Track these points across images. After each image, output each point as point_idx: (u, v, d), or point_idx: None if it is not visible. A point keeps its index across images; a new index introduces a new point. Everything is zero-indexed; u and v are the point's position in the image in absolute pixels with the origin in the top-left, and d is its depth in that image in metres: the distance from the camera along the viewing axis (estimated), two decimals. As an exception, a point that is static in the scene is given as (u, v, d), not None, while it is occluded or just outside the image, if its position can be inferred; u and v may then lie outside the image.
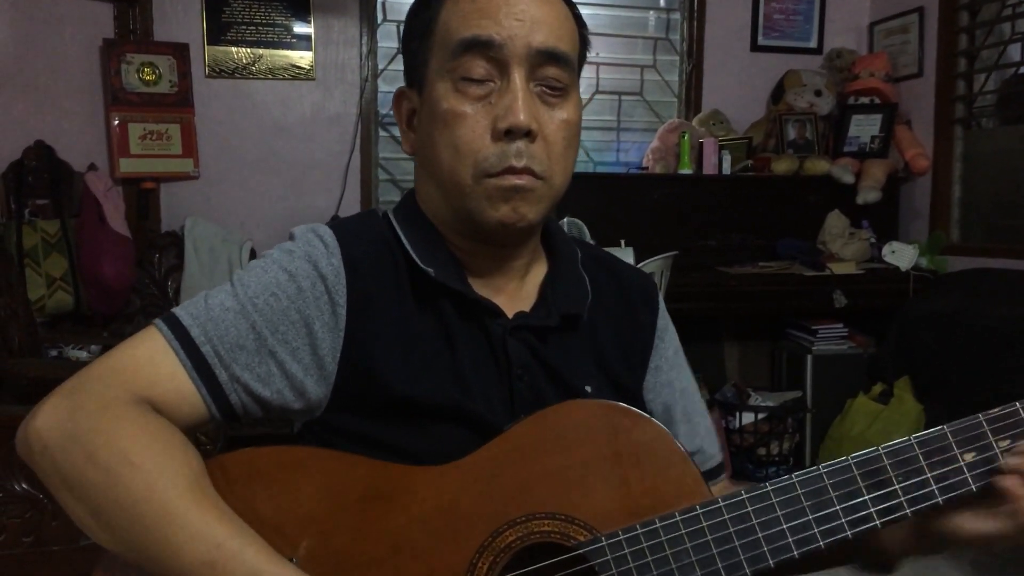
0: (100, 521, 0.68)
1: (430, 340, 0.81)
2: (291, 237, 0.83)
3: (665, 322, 0.97)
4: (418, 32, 0.83)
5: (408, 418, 0.78)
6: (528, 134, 0.78)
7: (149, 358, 0.74)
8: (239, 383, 0.76)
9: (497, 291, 0.86)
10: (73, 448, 0.68)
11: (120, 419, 0.69)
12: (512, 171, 0.78)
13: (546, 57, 0.78)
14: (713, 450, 0.95)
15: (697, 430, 0.94)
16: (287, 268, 0.79)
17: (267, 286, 0.78)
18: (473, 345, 0.82)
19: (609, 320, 0.91)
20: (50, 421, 0.69)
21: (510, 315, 0.84)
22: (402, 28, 3.60)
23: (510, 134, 0.77)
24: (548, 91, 0.80)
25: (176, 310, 0.77)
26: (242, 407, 0.77)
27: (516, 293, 0.88)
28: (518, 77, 0.78)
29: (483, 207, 0.79)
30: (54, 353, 2.53)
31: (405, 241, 0.83)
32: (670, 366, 0.95)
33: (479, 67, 0.78)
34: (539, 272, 0.90)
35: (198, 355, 0.74)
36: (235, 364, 0.75)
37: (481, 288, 0.84)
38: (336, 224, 0.84)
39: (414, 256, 0.82)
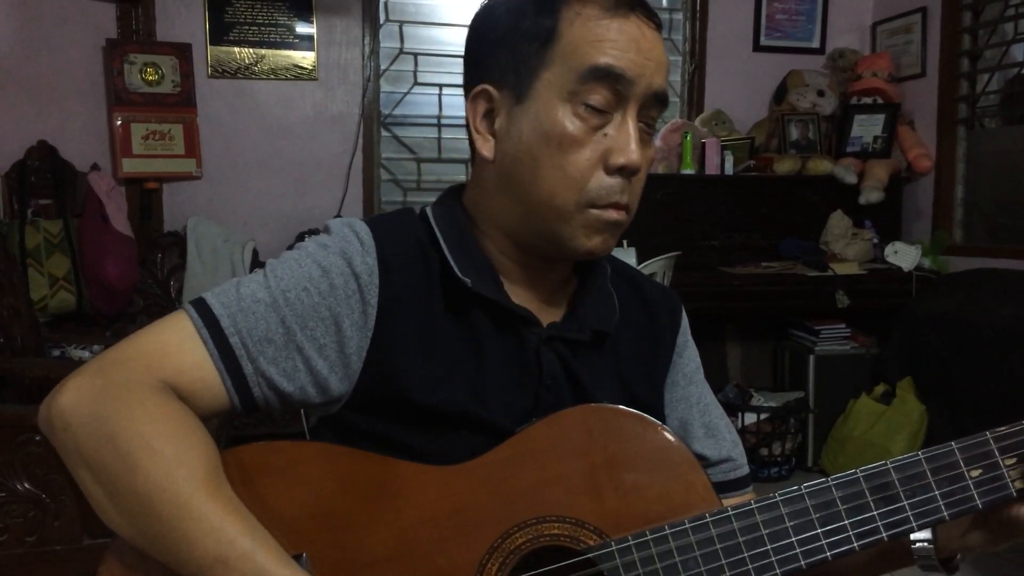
0: (116, 505, 0.68)
1: (455, 347, 0.81)
2: (326, 229, 0.82)
3: (685, 339, 0.97)
4: (531, 36, 0.79)
5: (424, 423, 0.78)
6: (634, 173, 0.79)
7: (178, 344, 0.74)
8: (264, 377, 0.75)
9: (529, 300, 0.86)
10: (96, 429, 0.68)
11: (144, 404, 0.69)
12: (616, 206, 0.79)
13: (656, 99, 0.80)
14: (742, 460, 0.96)
15: (723, 443, 0.95)
16: (321, 263, 0.78)
17: (299, 280, 0.77)
18: (503, 353, 0.82)
19: (632, 337, 0.91)
20: (75, 400, 0.69)
21: (543, 325, 0.84)
22: (404, 21, 3.53)
23: (623, 171, 0.78)
24: (646, 129, 0.81)
25: (207, 296, 0.76)
26: (264, 400, 0.77)
27: (546, 303, 0.87)
28: (632, 115, 0.79)
29: (577, 235, 0.80)
30: (57, 353, 2.53)
31: (444, 247, 0.82)
32: (688, 381, 0.95)
33: (603, 97, 0.77)
34: (569, 285, 0.90)
35: (226, 346, 0.74)
36: (262, 357, 0.75)
37: (515, 296, 0.84)
38: (372, 221, 0.83)
39: (452, 264, 0.81)
